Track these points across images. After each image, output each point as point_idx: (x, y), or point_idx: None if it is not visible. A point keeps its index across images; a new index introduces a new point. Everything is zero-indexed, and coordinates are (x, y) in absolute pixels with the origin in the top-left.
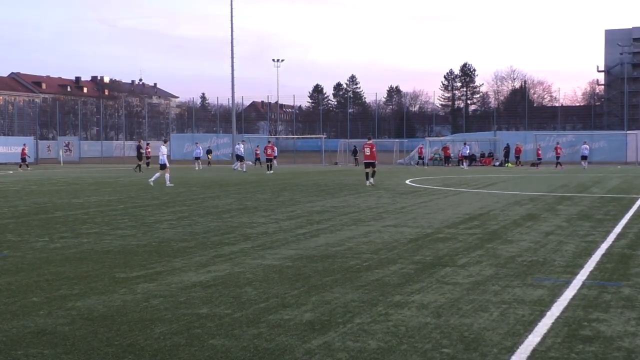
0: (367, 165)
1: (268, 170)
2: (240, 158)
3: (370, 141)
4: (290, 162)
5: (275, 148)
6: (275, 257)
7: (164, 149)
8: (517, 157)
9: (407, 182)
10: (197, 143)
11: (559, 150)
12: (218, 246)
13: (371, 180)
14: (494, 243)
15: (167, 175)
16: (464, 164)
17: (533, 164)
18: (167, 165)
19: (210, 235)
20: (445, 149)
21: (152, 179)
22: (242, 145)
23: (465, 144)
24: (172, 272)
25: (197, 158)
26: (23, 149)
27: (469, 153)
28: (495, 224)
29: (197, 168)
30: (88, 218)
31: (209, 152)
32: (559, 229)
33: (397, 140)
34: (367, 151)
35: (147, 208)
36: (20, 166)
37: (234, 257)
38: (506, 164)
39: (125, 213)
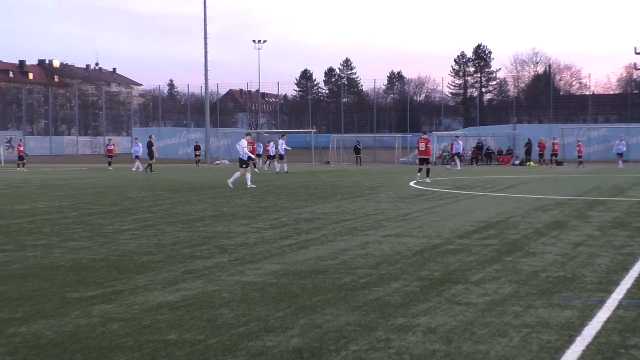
0: (422, 161)
1: (256, 167)
2: (272, 157)
3: (426, 136)
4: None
5: (282, 142)
6: (257, 273)
7: (244, 142)
8: (541, 155)
9: (412, 184)
10: (136, 139)
11: (581, 148)
12: (189, 260)
13: (427, 179)
14: (514, 256)
15: (248, 176)
16: (457, 162)
17: (558, 163)
18: (253, 159)
19: (180, 247)
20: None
21: (232, 180)
22: (283, 142)
23: (456, 138)
24: (134, 291)
25: (137, 157)
26: None
27: (462, 151)
28: (515, 233)
29: (134, 169)
30: (35, 228)
31: (197, 148)
32: (591, 239)
33: (399, 135)
34: (422, 147)
35: (105, 216)
36: None
37: (208, 274)
38: (528, 163)
39: (79, 222)
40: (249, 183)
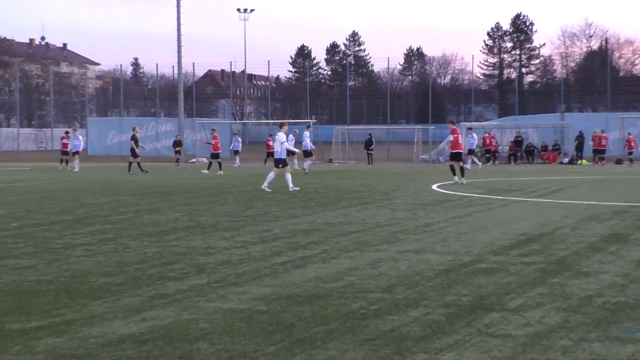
0: (452, 157)
1: (207, 169)
2: (307, 154)
3: (453, 125)
4: (263, 158)
5: (240, 139)
6: (242, 297)
7: (282, 136)
8: (596, 151)
9: (434, 187)
10: (75, 130)
11: (632, 142)
12: (158, 282)
13: (457, 178)
14: (562, 277)
15: (288, 176)
16: (468, 161)
17: (618, 161)
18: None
19: (146, 266)
20: (488, 138)
21: (266, 183)
22: (309, 134)
23: (469, 130)
24: (89, 321)
25: (76, 153)
26: None
27: (475, 145)
28: (563, 248)
29: (69, 167)
30: None
31: (177, 144)
32: None
33: (418, 126)
34: (451, 138)
35: (54, 227)
36: None
37: (182, 298)
38: (579, 161)
39: (21, 234)
40: (291, 185)
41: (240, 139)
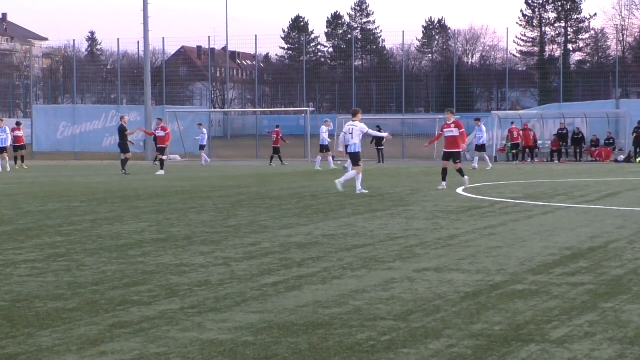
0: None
1: (159, 168)
2: (325, 148)
3: (451, 115)
4: (249, 155)
5: (206, 131)
6: (224, 326)
7: (358, 127)
8: None
9: (460, 190)
10: (1, 120)
11: None
12: (120, 307)
13: (341, 181)
14: (617, 301)
15: (359, 175)
16: (475, 159)
17: None
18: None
19: (105, 287)
20: (524, 132)
21: (342, 180)
22: (327, 128)
23: (477, 122)
24: (36, 355)
25: (2, 150)
26: None
27: (482, 141)
28: (618, 266)
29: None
30: None
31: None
32: None
33: (440, 116)
34: (448, 133)
35: None
36: None
37: (149, 328)
38: (638, 159)
39: None
40: (359, 186)
41: (205, 130)
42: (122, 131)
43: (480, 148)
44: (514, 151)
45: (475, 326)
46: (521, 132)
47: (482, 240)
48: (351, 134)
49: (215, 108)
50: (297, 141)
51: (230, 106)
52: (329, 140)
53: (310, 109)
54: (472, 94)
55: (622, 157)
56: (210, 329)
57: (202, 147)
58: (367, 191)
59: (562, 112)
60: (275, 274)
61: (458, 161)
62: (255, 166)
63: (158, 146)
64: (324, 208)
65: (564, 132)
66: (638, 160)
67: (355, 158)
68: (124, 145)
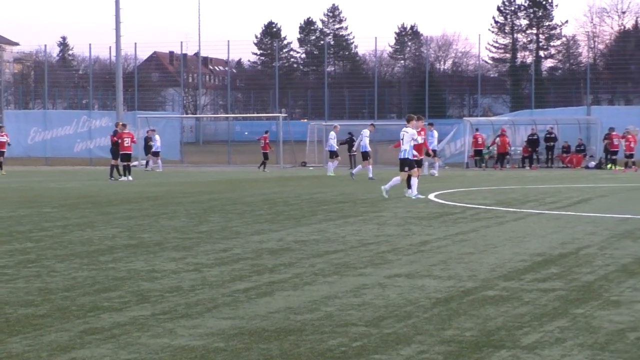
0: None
1: (122, 175)
2: (334, 154)
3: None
4: (221, 160)
5: (158, 138)
6: (195, 332)
7: (410, 133)
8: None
9: (432, 196)
10: None
11: (631, 141)
12: (90, 314)
13: (410, 190)
14: (588, 306)
15: (414, 180)
16: (424, 165)
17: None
18: (423, 162)
19: (76, 293)
20: (502, 138)
21: (387, 186)
22: (334, 133)
23: (429, 127)
24: None
25: None
26: None
27: (432, 146)
28: (589, 272)
29: None
30: None
31: (148, 142)
32: None
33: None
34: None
35: None
36: None
37: (120, 334)
38: (609, 165)
39: None
40: (415, 191)
41: (157, 137)
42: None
43: (365, 155)
44: (478, 157)
45: (447, 332)
46: (497, 139)
47: (453, 246)
48: (402, 139)
49: (187, 113)
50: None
51: (203, 112)
52: (337, 146)
53: (283, 114)
54: (444, 100)
55: (593, 164)
56: (181, 335)
57: (155, 154)
58: (423, 196)
59: (534, 119)
60: (246, 280)
61: (407, 168)
62: (227, 171)
63: (122, 153)
64: (296, 214)
65: (535, 137)
66: (609, 166)
67: (404, 164)
68: (115, 152)
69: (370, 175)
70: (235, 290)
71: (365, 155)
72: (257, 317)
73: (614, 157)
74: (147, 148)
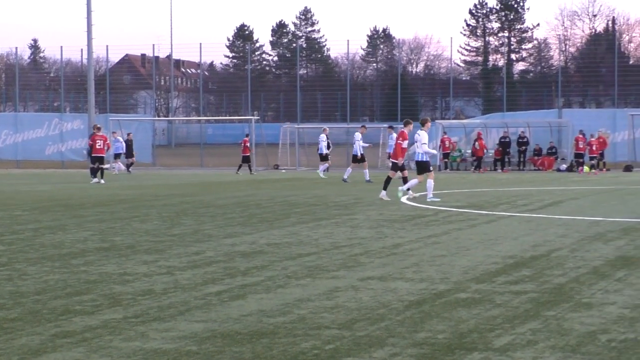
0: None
1: (93, 177)
2: (324, 158)
3: (405, 128)
4: (194, 163)
5: (122, 140)
6: (168, 335)
7: (423, 136)
8: (599, 156)
9: (404, 199)
10: None
11: (592, 144)
12: (62, 317)
13: (403, 188)
14: (559, 309)
15: (430, 182)
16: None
17: (627, 167)
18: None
19: (47, 297)
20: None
21: (405, 187)
22: (325, 136)
23: (390, 130)
24: None
25: None
26: None
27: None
28: (560, 274)
29: None
30: None
31: (129, 145)
32: None
33: (385, 125)
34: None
35: None
36: None
37: (92, 337)
38: (586, 168)
39: None
40: (431, 194)
41: (121, 139)
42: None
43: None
44: (446, 160)
45: (419, 335)
46: (476, 143)
47: (426, 249)
48: (415, 142)
49: (159, 116)
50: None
51: (175, 114)
52: (326, 150)
53: (255, 117)
54: (416, 103)
55: (564, 166)
56: (153, 339)
57: (117, 156)
58: (438, 199)
59: (506, 122)
60: (219, 283)
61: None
62: (199, 174)
63: (93, 155)
64: (269, 217)
65: (507, 140)
66: (586, 169)
67: (422, 167)
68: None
69: (367, 178)
70: (207, 293)
71: (355, 158)
72: (230, 320)
73: (580, 160)
74: (129, 151)
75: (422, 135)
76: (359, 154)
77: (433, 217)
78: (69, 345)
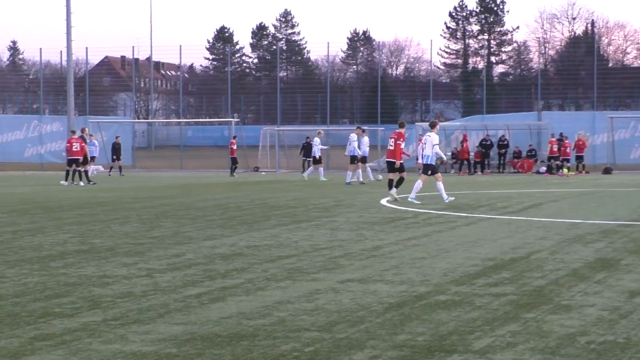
0: (390, 167)
1: (71, 179)
2: (317, 161)
3: (401, 129)
4: (174, 165)
5: (97, 143)
6: (147, 338)
7: (434, 139)
8: (579, 158)
9: (384, 201)
10: None
11: (566, 146)
12: (41, 320)
13: (394, 191)
14: (539, 311)
15: (440, 185)
16: (367, 171)
17: (606, 170)
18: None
19: (26, 299)
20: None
21: (413, 195)
22: (318, 140)
23: (362, 132)
24: None
25: None
26: None
27: (353, 151)
28: (540, 276)
29: None
30: None
31: (117, 148)
32: None
33: (365, 127)
34: (391, 144)
35: None
36: None
37: (71, 340)
38: (560, 170)
39: None
40: (445, 195)
41: (96, 142)
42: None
43: (353, 159)
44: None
45: (399, 337)
46: (462, 144)
47: (405, 251)
48: (425, 144)
49: (139, 118)
50: (222, 152)
51: (154, 116)
52: (319, 153)
53: (235, 119)
54: (396, 105)
55: (544, 169)
56: (133, 341)
57: (92, 159)
58: (453, 198)
59: (485, 124)
60: (199, 285)
61: (430, 172)
62: (179, 176)
63: (70, 158)
64: (249, 219)
65: (488, 142)
66: (562, 171)
67: (428, 168)
68: (83, 157)
69: (361, 180)
70: (187, 295)
71: (353, 160)
72: (210, 322)
73: (556, 162)
74: (116, 154)
75: (434, 137)
76: (358, 155)
77: (413, 219)
78: (48, 348)
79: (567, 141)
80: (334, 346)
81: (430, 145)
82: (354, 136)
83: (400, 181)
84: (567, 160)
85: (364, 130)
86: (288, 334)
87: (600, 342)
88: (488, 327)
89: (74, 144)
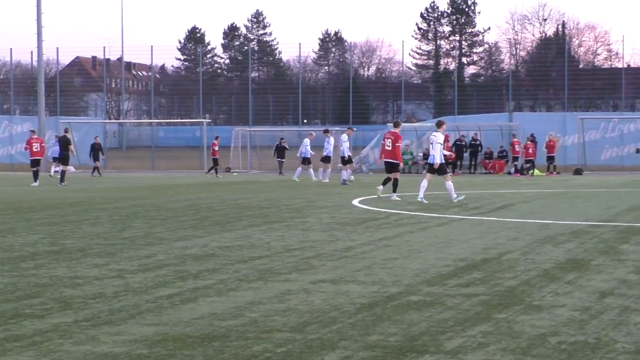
0: (387, 167)
1: (36, 181)
2: (306, 160)
3: (396, 129)
4: (145, 166)
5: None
6: (118, 339)
7: (439, 138)
8: (550, 159)
9: (356, 202)
10: None
11: (528, 147)
12: (12, 321)
13: (393, 195)
14: (510, 311)
15: (449, 184)
16: (326, 172)
17: (577, 171)
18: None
19: None
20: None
21: (421, 195)
22: (308, 141)
23: (326, 134)
24: None
25: None
26: None
27: (327, 153)
28: (511, 277)
29: None
30: None
31: (96, 148)
32: (624, 285)
33: (336, 128)
34: (388, 144)
35: None
36: None
37: (42, 341)
38: (530, 171)
39: None
40: (454, 195)
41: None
42: (66, 143)
43: (325, 159)
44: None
45: (371, 337)
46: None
47: (377, 252)
48: (431, 144)
49: (110, 119)
50: (193, 152)
51: (126, 117)
52: (311, 154)
53: (207, 120)
54: (368, 106)
55: (514, 169)
56: (104, 342)
57: (55, 159)
58: (463, 197)
59: (457, 125)
60: (170, 286)
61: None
62: (150, 177)
63: (33, 159)
64: (220, 220)
65: (462, 143)
66: (531, 172)
67: (437, 169)
68: (64, 157)
69: (352, 178)
70: (158, 296)
71: (343, 160)
72: (181, 323)
73: (515, 162)
74: (95, 154)
75: (439, 137)
76: (346, 156)
77: (385, 220)
78: (18, 349)
79: (529, 142)
80: (305, 347)
81: (436, 144)
82: (344, 137)
83: (389, 181)
84: (530, 161)
85: (353, 130)
86: (260, 334)
87: (571, 342)
88: (459, 328)
89: (33, 144)
